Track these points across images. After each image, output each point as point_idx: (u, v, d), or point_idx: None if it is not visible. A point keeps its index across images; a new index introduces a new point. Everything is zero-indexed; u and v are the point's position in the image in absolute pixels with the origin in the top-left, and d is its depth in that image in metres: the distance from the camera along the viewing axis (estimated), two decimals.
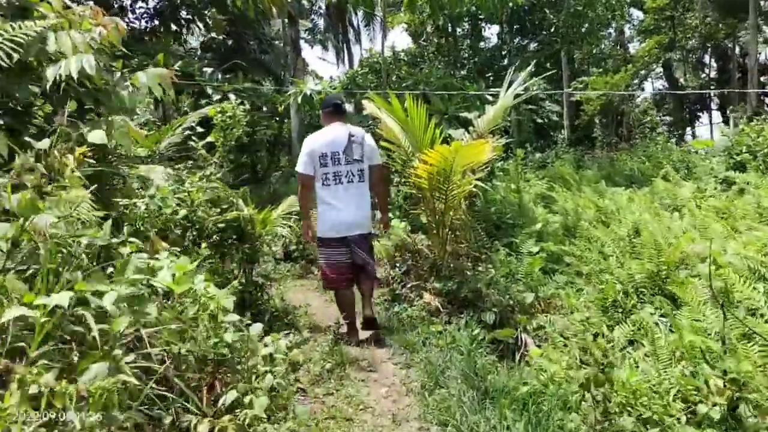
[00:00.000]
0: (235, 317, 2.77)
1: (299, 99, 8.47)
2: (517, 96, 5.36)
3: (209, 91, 9.20)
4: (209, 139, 5.08)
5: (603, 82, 22.03)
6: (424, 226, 6.19)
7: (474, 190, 5.41)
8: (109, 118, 4.38)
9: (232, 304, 2.84)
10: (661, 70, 32.21)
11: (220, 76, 9.75)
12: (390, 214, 7.16)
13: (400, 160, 5.61)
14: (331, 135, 4.50)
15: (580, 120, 23.67)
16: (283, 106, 10.57)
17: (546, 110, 21.93)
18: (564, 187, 10.49)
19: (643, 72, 26.76)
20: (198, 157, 5.32)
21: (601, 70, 25.36)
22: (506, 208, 7.89)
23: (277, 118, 14.52)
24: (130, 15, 11.80)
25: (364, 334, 4.83)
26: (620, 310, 4.47)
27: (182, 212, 4.63)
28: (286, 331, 4.88)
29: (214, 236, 4.92)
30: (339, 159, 4.43)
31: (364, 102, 5.65)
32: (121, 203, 4.01)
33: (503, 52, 13.98)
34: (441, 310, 4.87)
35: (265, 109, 13.22)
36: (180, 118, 7.31)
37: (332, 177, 4.46)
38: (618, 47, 28.94)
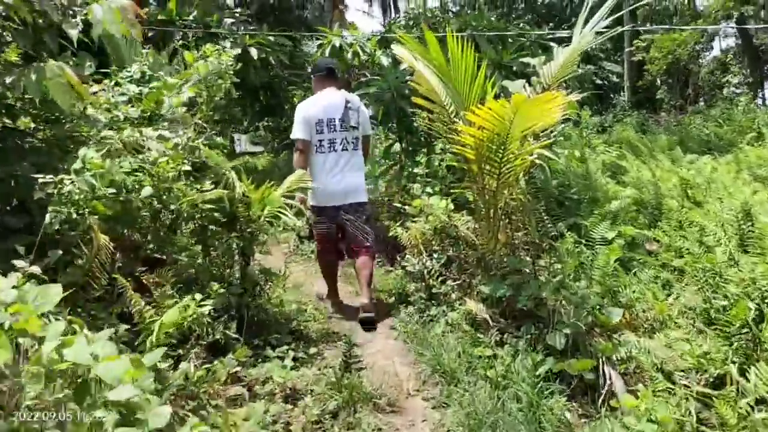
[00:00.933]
0: (128, 392, 1.52)
1: (327, 52, 7.13)
2: (598, 34, 3.91)
3: (227, 45, 7.93)
4: (188, 93, 3.83)
5: (670, 40, 19.84)
6: (470, 206, 4.84)
7: (536, 161, 4.02)
8: (41, 65, 3.18)
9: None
10: (734, 26, 29.29)
11: (243, 28, 8.47)
12: (429, 189, 5.87)
13: (442, 123, 4.25)
14: (327, 100, 4.35)
15: (643, 81, 21.54)
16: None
17: (606, 70, 19.97)
18: (633, 154, 8.92)
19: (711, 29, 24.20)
20: (174, 118, 4.08)
21: (666, 27, 23.02)
22: (570, 181, 6.44)
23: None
24: None
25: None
26: (748, 335, 3.06)
27: (146, 190, 3.43)
28: (285, 346, 3.68)
29: (193, 222, 3.73)
30: (335, 125, 4.29)
31: (394, 46, 4.29)
32: (42, 181, 2.83)
33: (564, 2, 12.27)
34: (490, 322, 3.55)
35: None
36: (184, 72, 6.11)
37: (327, 144, 4.30)
38: (686, 2, 26.31)
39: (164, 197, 3.51)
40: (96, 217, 3.07)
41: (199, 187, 3.82)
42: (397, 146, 6.73)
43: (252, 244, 3.88)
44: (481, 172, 3.79)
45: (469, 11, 11.24)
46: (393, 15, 23.00)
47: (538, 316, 3.48)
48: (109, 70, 5.22)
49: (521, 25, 6.23)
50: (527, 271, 3.78)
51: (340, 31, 7.18)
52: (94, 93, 5.34)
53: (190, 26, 7.86)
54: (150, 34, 8.01)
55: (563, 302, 3.40)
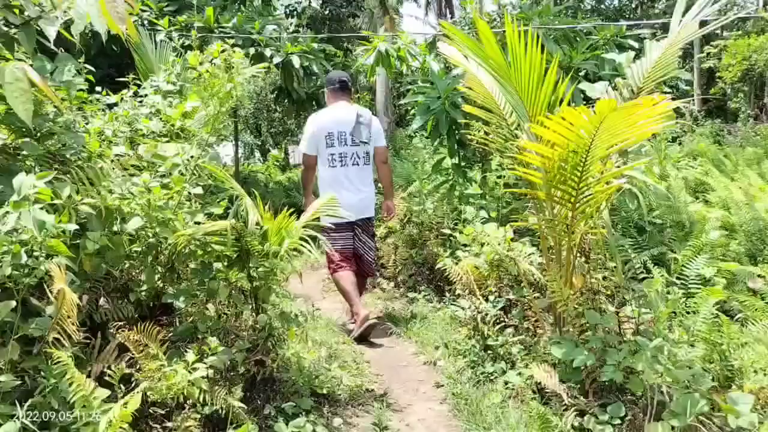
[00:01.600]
0: None
1: (372, 58, 6.38)
2: (703, 24, 2.99)
3: (268, 53, 7.30)
4: (192, 103, 3.13)
5: (745, 45, 18.27)
6: (535, 236, 3.98)
7: (624, 186, 3.13)
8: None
9: None
10: None
11: (285, 34, 7.84)
12: (472, 209, 5.03)
13: (499, 136, 3.42)
14: (338, 114, 4.26)
15: (715, 89, 20.00)
16: (372, 76, 8.54)
17: (674, 78, 18.53)
18: (716, 168, 7.80)
19: None
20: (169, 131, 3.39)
21: (740, 32, 21.35)
22: (650, 202, 5.47)
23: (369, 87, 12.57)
24: None
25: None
26: None
27: (134, 222, 2.73)
28: (304, 417, 2.91)
29: (194, 260, 3.01)
30: (345, 139, 4.21)
31: (440, 44, 3.50)
32: None
33: (633, 4, 11.16)
34: (565, 398, 2.68)
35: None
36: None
37: (338, 158, 4.21)
38: (764, 6, 24.44)
39: (157, 229, 2.81)
40: (59, 259, 2.38)
41: (202, 216, 3.11)
42: (447, 161, 5.91)
43: (267, 286, 3.13)
44: (551, 199, 2.93)
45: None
46: (448, 19, 22.16)
47: (630, 394, 2.60)
48: (125, 79, 4.61)
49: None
50: (613, 328, 2.89)
51: (385, 36, 6.45)
52: (112, 105, 4.76)
53: (229, 34, 7.26)
54: (187, 43, 7.47)
55: (665, 376, 2.50)
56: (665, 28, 3.95)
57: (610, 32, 4.97)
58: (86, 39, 7.31)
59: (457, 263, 4.31)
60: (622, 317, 3.25)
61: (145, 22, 7.38)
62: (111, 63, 7.03)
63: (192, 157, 3.05)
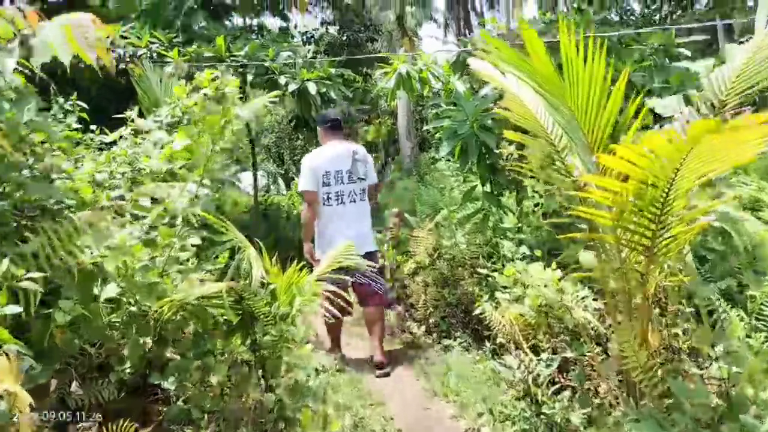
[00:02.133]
0: None
1: (392, 81, 5.88)
2: None
3: (282, 81, 6.85)
4: (180, 142, 2.64)
5: None
6: (592, 281, 3.37)
7: (714, 223, 2.53)
8: None
9: None
10: None
11: (300, 61, 7.39)
12: (510, 244, 4.45)
13: (544, 162, 2.85)
14: (334, 152, 4.23)
15: None
16: (393, 100, 8.06)
17: None
18: None
19: None
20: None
21: None
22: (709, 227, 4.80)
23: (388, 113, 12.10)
24: None
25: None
26: None
27: (109, 289, 2.22)
28: None
29: (187, 328, 2.48)
30: (342, 178, 4.19)
31: (471, 61, 2.96)
32: None
33: (662, 13, 10.57)
34: None
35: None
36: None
37: (335, 197, 4.18)
38: None
39: (138, 296, 2.30)
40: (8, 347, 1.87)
41: (198, 274, 2.59)
42: (479, 189, 5.34)
43: (276, 356, 2.59)
44: (618, 242, 2.34)
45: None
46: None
47: None
48: (122, 115, 4.17)
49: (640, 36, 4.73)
50: (705, 402, 2.27)
51: (406, 57, 5.95)
52: (110, 143, 4.33)
53: (241, 63, 6.84)
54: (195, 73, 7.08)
55: None
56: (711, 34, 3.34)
57: (658, 40, 4.40)
58: (94, 73, 6.97)
59: (496, 308, 3.72)
60: (705, 378, 2.64)
61: (154, 54, 7.01)
62: (119, 98, 6.65)
63: (193, 198, 2.53)
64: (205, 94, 2.60)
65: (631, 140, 2.21)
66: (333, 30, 16.77)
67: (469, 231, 5.33)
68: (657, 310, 2.71)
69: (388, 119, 16.81)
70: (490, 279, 4.12)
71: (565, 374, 3.03)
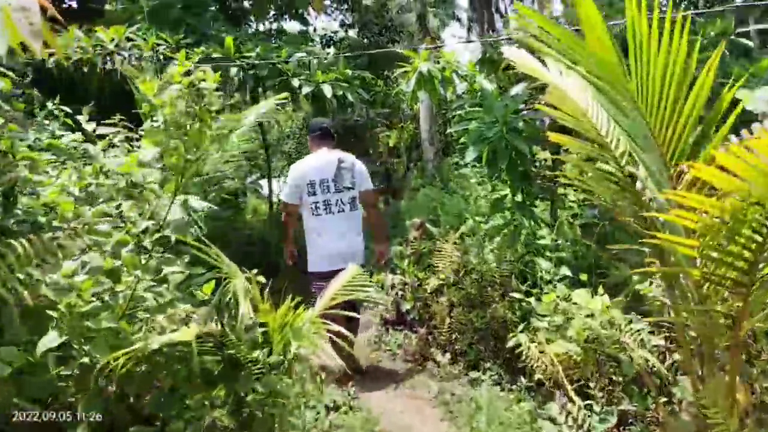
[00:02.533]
0: None
1: (413, 82, 5.38)
2: None
3: (296, 83, 6.38)
4: (148, 152, 2.16)
5: None
6: (651, 308, 2.81)
7: None
8: None
9: None
10: None
11: (315, 62, 6.92)
12: (548, 264, 3.90)
13: (604, 174, 2.30)
14: (320, 161, 4.10)
15: None
16: (414, 102, 7.63)
17: None
18: None
19: None
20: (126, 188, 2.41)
21: None
22: None
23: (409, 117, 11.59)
24: None
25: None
26: None
27: (47, 339, 1.75)
28: None
29: (146, 385, 2.00)
30: (328, 186, 4.04)
31: (506, 50, 2.44)
32: None
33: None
34: None
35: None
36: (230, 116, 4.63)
37: (322, 206, 4.04)
38: None
39: (86, 347, 1.82)
40: None
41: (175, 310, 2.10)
42: (509, 198, 4.80)
43: (268, 413, 2.09)
44: (705, 279, 1.79)
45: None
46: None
47: None
48: (112, 120, 3.73)
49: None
50: None
51: (428, 54, 5.44)
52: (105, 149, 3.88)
53: (252, 64, 6.39)
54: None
55: None
56: None
57: (716, 28, 3.81)
58: (102, 79, 6.60)
59: (533, 339, 3.18)
60: None
61: (161, 57, 6.61)
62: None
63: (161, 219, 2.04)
64: (177, 90, 2.10)
65: (721, 145, 1.67)
66: (353, 33, 16.35)
67: (498, 245, 4.78)
68: (744, 356, 2.15)
69: (410, 123, 16.31)
70: (523, 303, 3.58)
71: (624, 428, 2.48)
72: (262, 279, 3.76)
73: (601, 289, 3.08)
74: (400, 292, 5.25)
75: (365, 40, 16.48)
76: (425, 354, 4.59)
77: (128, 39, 6.58)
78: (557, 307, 3.14)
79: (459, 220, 7.21)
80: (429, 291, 5.04)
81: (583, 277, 3.28)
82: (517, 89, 4.79)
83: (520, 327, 3.34)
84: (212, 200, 5.14)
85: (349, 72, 6.86)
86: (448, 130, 11.82)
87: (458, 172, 10.26)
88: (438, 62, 5.59)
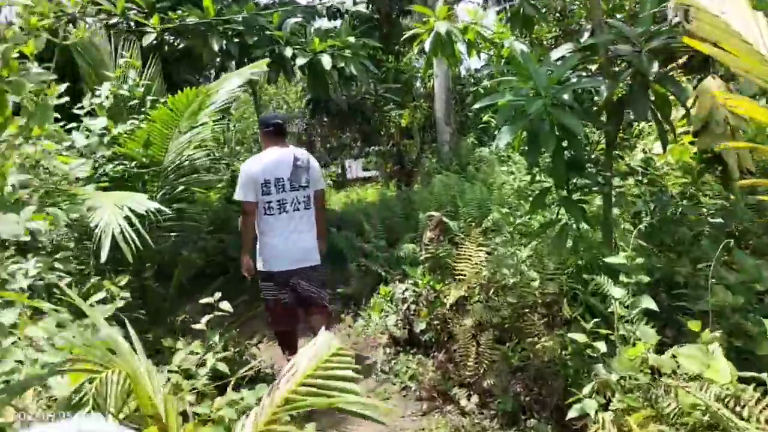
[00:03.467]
0: None
1: (428, 43, 4.29)
2: None
3: (288, 53, 5.30)
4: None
5: None
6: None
7: None
8: None
9: None
10: None
11: (314, 29, 5.82)
12: (620, 290, 2.81)
13: None
14: (274, 158, 3.83)
15: None
16: (429, 70, 6.58)
17: None
18: None
19: None
20: None
21: None
22: None
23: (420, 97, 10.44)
24: None
25: None
26: None
27: None
28: None
29: None
30: (284, 185, 3.81)
31: None
32: None
33: None
34: None
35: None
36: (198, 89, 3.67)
37: (276, 205, 3.81)
38: None
39: None
40: None
41: None
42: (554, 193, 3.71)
43: None
44: None
45: None
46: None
47: None
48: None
49: None
50: None
51: (447, 11, 4.32)
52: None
53: (234, 30, 5.32)
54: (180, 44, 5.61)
55: None
56: None
57: None
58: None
59: (606, 403, 2.13)
60: None
61: (131, 23, 5.55)
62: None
63: None
64: None
65: None
66: (362, 7, 15.14)
67: (537, 252, 3.71)
68: None
69: (423, 102, 15.16)
70: (588, 348, 2.51)
71: None
72: (228, 308, 2.72)
73: (715, 338, 2.01)
74: (412, 306, 4.21)
75: (376, 15, 15.27)
76: (444, 391, 3.55)
77: (94, 2, 5.52)
78: (644, 364, 2.08)
79: (481, 212, 6.13)
80: (448, 306, 4.00)
81: (694, 327, 2.17)
82: (562, 51, 3.68)
83: (586, 388, 2.28)
84: (181, 197, 4.11)
85: (351, 39, 5.75)
86: (471, 107, 10.68)
87: (478, 155, 9.14)
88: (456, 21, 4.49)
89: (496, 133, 3.54)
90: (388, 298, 4.39)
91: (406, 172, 14.95)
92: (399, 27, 15.38)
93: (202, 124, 3.91)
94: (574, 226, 3.54)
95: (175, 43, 5.44)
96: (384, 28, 15.41)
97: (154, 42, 5.40)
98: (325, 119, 8.37)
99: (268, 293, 3.89)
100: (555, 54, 3.68)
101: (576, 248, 3.55)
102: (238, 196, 3.81)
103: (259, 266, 3.87)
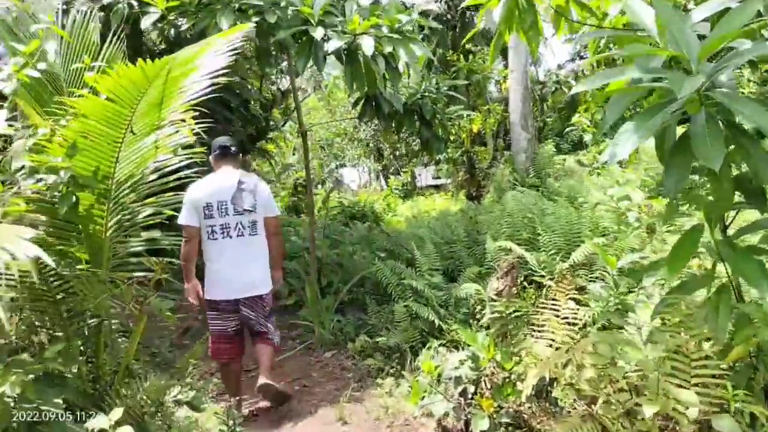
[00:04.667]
0: None
1: (498, 11, 2.94)
2: None
3: (318, 34, 4.09)
4: None
5: None
6: None
7: None
8: None
9: None
10: None
11: (355, 5, 4.56)
12: None
13: None
14: (217, 182, 3.69)
15: None
16: (496, 51, 5.12)
17: None
18: None
19: None
20: None
21: None
22: None
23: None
24: None
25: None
26: None
27: None
28: None
29: None
30: (226, 209, 3.61)
31: None
32: None
33: None
34: None
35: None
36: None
37: (219, 230, 3.61)
38: None
39: None
40: None
41: None
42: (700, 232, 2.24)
43: None
44: None
45: None
46: None
47: None
48: None
49: None
50: None
51: None
52: None
53: (252, 7, 4.15)
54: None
55: None
56: None
57: None
58: None
59: None
60: None
61: (134, 2, 4.49)
62: None
63: None
64: None
65: None
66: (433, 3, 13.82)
67: (670, 325, 2.26)
68: None
69: (497, 106, 13.64)
70: None
71: None
72: None
73: None
74: (469, 392, 2.83)
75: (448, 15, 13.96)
76: None
77: None
78: None
79: (567, 241, 4.67)
80: (525, 396, 2.60)
81: None
82: (714, 4, 2.21)
83: None
84: (149, 223, 2.92)
85: (403, 18, 4.44)
86: (573, 89, 9.11)
87: (560, 165, 7.60)
88: None
89: (595, 135, 2.11)
90: (436, 378, 3.05)
91: (477, 183, 13.48)
92: (471, 25, 13.95)
93: (173, 123, 2.71)
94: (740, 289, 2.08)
95: (181, 26, 4.33)
96: (456, 25, 14.00)
97: (158, 25, 4.33)
98: (375, 122, 7.18)
99: (212, 322, 3.67)
100: (700, 12, 2.20)
101: (743, 326, 2.08)
102: (180, 220, 3.56)
103: (205, 294, 3.65)
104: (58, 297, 2.56)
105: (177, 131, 2.84)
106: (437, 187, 26.15)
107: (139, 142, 2.69)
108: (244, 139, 10.35)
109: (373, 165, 25.76)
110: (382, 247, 6.32)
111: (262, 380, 3.51)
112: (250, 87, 9.65)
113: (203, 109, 2.81)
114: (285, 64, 13.32)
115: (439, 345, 4.01)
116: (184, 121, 2.82)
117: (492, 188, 7.77)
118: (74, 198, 2.42)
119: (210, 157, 3.84)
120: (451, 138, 10.54)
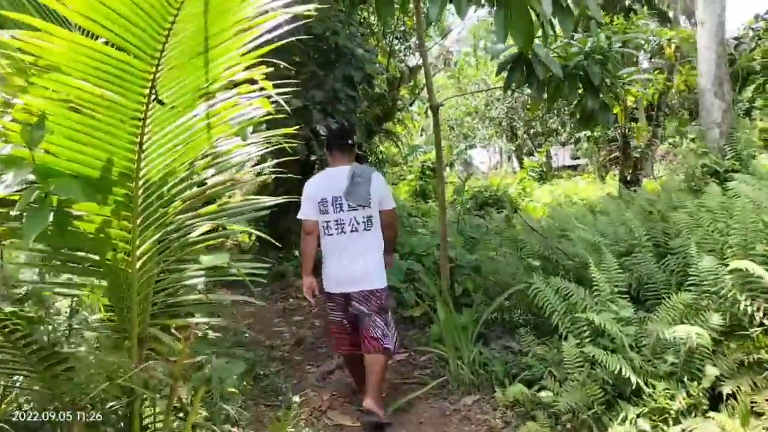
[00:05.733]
0: None
1: None
2: None
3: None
4: None
5: None
6: None
7: None
8: None
9: None
10: None
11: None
12: None
13: None
14: (332, 177, 3.61)
15: None
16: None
17: None
18: None
19: None
20: None
21: None
22: None
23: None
24: None
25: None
26: None
27: None
28: None
29: None
30: (341, 204, 3.52)
31: None
32: None
33: None
34: None
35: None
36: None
37: (334, 225, 3.54)
38: None
39: None
40: None
41: None
42: None
43: None
44: None
45: None
46: None
47: None
48: None
49: None
50: None
51: None
52: None
53: None
54: None
55: None
56: None
57: None
58: None
59: None
60: None
61: None
62: None
63: None
64: None
65: None
66: None
67: None
68: None
69: (658, 73, 11.48)
70: None
71: None
72: None
73: None
74: None
75: None
76: None
77: None
78: None
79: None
80: None
81: None
82: None
83: None
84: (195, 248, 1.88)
85: None
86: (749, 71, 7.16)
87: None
88: None
89: None
90: None
91: (633, 164, 11.48)
92: None
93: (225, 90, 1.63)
94: None
95: None
96: None
97: None
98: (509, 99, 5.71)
99: (330, 314, 3.71)
100: None
101: None
102: (299, 215, 3.60)
103: (324, 287, 3.64)
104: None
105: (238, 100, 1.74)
106: (574, 168, 23.76)
107: (177, 117, 1.62)
108: (371, 121, 9.41)
109: (506, 145, 23.94)
110: (534, 252, 4.96)
111: (367, 403, 3.33)
112: (375, 62, 8.55)
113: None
114: (414, 39, 12.18)
115: (639, 415, 2.66)
116: (255, 82, 1.72)
117: (684, 174, 6.03)
118: (54, 211, 1.40)
119: (326, 151, 3.83)
120: (612, 107, 8.81)
